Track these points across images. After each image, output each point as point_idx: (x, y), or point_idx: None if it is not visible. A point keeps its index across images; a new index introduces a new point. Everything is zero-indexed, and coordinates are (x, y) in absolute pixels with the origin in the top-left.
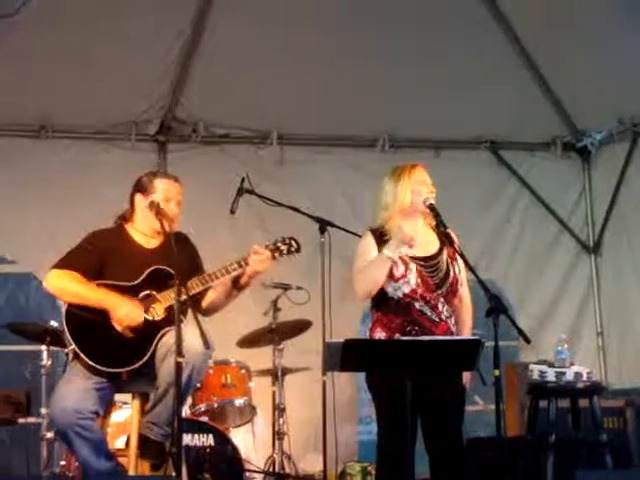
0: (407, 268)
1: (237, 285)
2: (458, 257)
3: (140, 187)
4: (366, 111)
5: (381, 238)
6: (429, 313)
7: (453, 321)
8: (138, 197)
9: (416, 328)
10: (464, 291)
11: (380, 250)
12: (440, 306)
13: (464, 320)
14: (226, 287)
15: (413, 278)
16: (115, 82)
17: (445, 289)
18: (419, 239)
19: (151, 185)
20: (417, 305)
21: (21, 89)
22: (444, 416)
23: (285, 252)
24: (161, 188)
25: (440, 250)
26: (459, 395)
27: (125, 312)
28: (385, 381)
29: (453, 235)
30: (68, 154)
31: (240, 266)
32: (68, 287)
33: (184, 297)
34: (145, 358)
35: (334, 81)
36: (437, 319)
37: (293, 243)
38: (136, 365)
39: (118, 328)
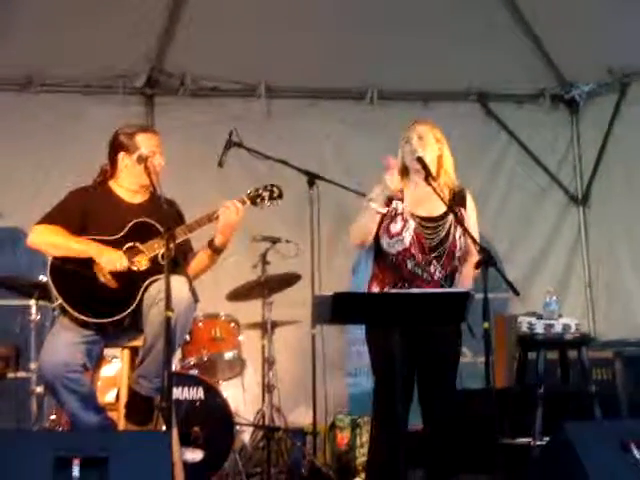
0: (405, 226)
1: (212, 246)
2: (467, 219)
3: (122, 146)
4: (354, 63)
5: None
6: (420, 273)
7: (449, 283)
8: (121, 155)
9: (406, 285)
10: (471, 251)
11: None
12: (432, 268)
13: (466, 273)
14: (205, 251)
15: (408, 237)
16: (102, 34)
17: (439, 252)
18: (427, 198)
19: (132, 142)
20: (409, 264)
21: (8, 43)
22: (438, 369)
23: (267, 198)
24: (145, 143)
25: (446, 213)
26: (454, 350)
27: (107, 257)
28: (378, 335)
29: (468, 196)
30: (55, 108)
31: (209, 220)
32: (51, 240)
33: (168, 248)
34: (130, 308)
35: (322, 33)
36: (429, 279)
37: (275, 189)
38: (121, 315)
39: (102, 278)
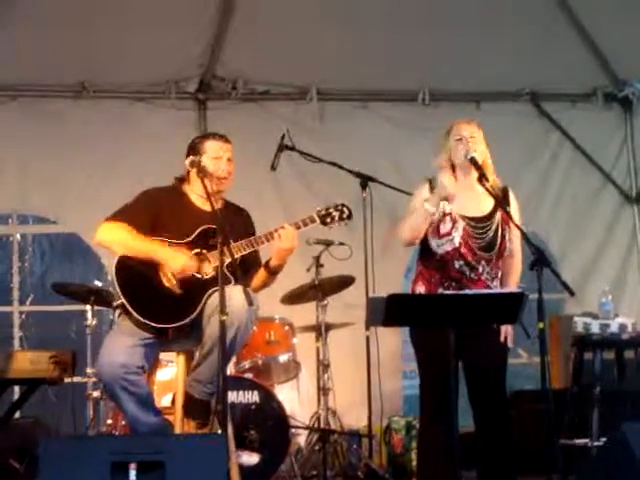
0: (454, 226)
1: (267, 267)
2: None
3: (192, 149)
4: (406, 64)
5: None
6: (468, 272)
7: (495, 283)
8: (189, 159)
9: (453, 284)
10: (516, 247)
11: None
12: (481, 268)
13: (510, 274)
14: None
15: (457, 237)
16: (153, 40)
17: (490, 253)
18: (473, 198)
19: (202, 146)
20: (457, 264)
21: (60, 50)
22: (487, 371)
23: (337, 219)
24: (210, 148)
25: (493, 212)
26: (502, 350)
27: (182, 263)
28: (428, 335)
29: (511, 195)
30: (109, 114)
31: (267, 239)
32: (120, 238)
33: (231, 259)
34: (193, 315)
35: (373, 34)
36: (476, 278)
37: (345, 210)
38: (184, 322)
39: (167, 283)
